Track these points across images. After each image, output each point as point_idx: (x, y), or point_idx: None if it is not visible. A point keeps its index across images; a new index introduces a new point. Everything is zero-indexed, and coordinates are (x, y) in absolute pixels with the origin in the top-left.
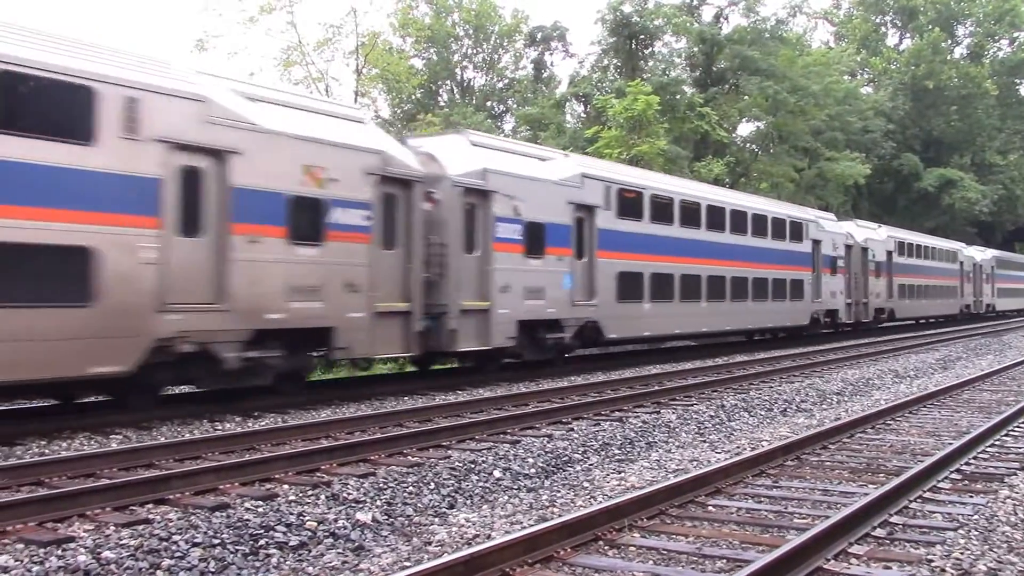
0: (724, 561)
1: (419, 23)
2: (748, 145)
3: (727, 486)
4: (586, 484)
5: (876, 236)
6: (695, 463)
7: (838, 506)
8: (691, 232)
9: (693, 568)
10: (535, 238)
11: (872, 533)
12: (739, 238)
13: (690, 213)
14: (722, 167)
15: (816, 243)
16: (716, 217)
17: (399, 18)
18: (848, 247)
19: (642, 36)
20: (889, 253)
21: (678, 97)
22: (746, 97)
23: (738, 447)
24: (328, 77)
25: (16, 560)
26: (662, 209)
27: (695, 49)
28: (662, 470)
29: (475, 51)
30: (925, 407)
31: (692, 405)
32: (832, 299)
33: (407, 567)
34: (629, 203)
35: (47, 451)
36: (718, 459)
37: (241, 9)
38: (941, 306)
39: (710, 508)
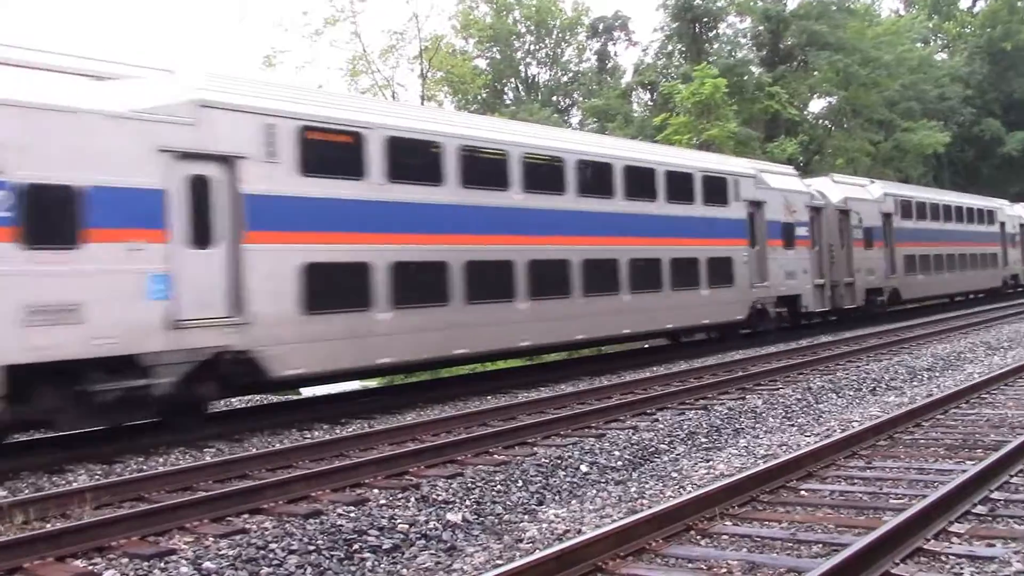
0: (820, 546)
1: (480, 23)
2: (821, 122)
3: (819, 469)
4: (674, 474)
5: (863, 195)
6: (784, 448)
7: (935, 484)
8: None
9: (788, 554)
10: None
11: (973, 511)
12: (602, 203)
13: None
14: (795, 146)
15: (756, 205)
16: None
17: (460, 20)
18: (816, 210)
19: (705, 19)
20: (887, 216)
21: (746, 78)
22: (816, 73)
23: (828, 429)
24: (394, 83)
25: (121, 573)
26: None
27: (760, 28)
28: (751, 456)
29: (538, 47)
30: (1022, 379)
31: (778, 389)
32: (788, 281)
33: (499, 565)
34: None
35: (145, 467)
36: (808, 442)
37: (306, 23)
38: (974, 279)
39: (802, 493)
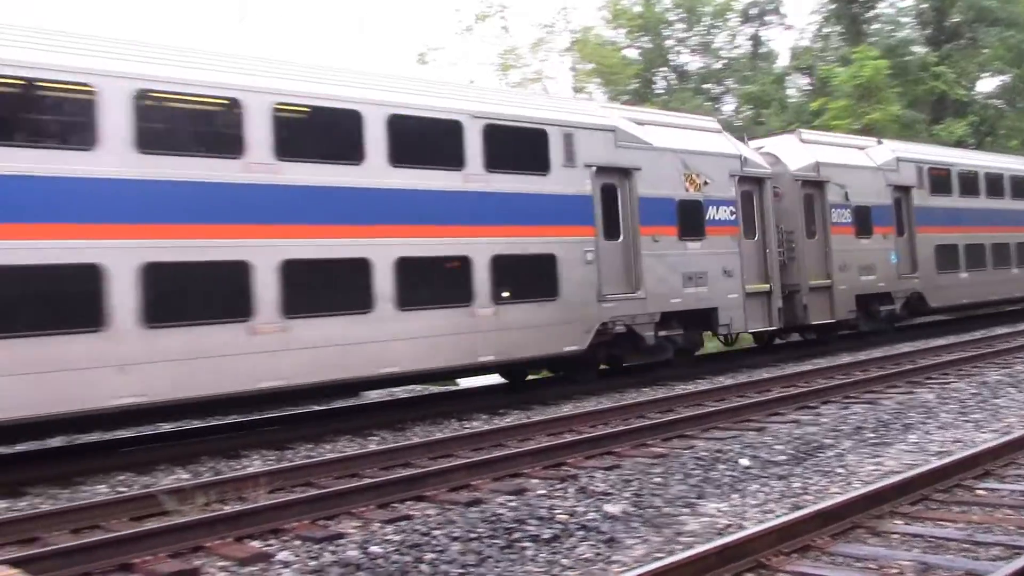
0: (1000, 548)
1: (630, 13)
2: (992, 102)
3: (998, 468)
4: (840, 470)
5: (855, 159)
6: (959, 444)
7: None
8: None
9: (965, 556)
10: (863, 220)
11: None
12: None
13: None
14: (965, 128)
15: (619, 174)
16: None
17: (610, 10)
18: (752, 181)
19: None
20: (902, 190)
21: (909, 58)
22: (985, 50)
23: (1007, 426)
24: (544, 77)
25: (295, 555)
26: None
27: (924, 5)
28: (922, 453)
29: (689, 34)
30: None
31: (950, 383)
32: (689, 289)
33: (660, 558)
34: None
35: (314, 454)
36: (984, 439)
37: (457, 20)
38: None
39: (979, 492)
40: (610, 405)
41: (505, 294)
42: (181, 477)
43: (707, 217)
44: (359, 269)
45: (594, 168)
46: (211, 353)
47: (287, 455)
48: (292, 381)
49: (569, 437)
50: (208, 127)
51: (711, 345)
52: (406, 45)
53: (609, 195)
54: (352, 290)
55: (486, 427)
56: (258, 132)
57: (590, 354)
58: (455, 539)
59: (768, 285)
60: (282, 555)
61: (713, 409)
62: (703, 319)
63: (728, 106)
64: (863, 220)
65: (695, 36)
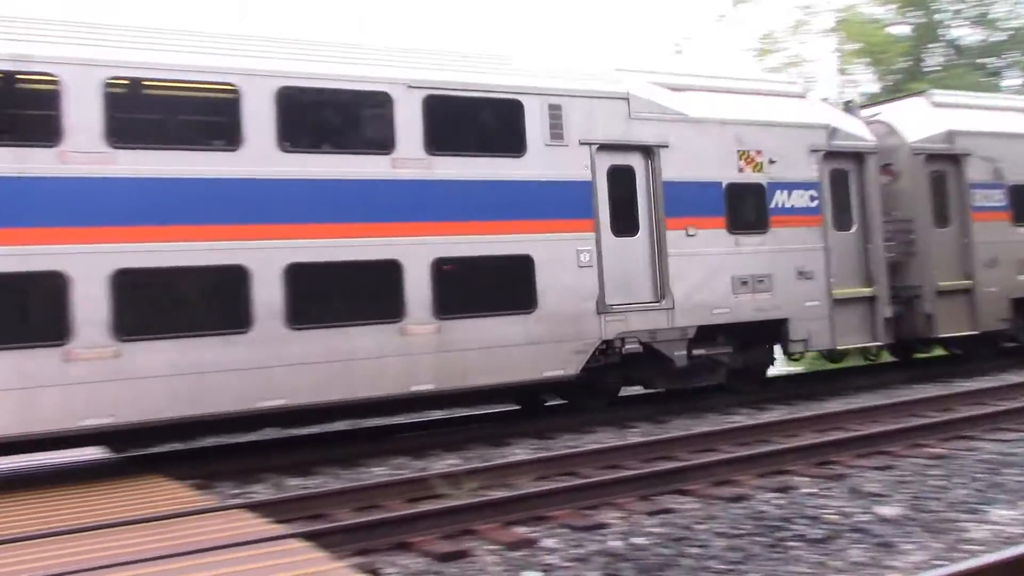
0: None
1: None
2: None
3: None
4: None
5: (1006, 125)
6: None
7: None
8: None
9: None
10: (1019, 201)
11: None
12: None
13: None
14: None
15: (637, 152)
16: None
17: None
18: (852, 157)
19: None
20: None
21: None
22: None
23: None
24: (804, 60)
25: (560, 543)
26: None
27: None
28: None
29: (964, 7)
30: None
31: None
32: (744, 296)
33: (941, 566)
34: None
35: (575, 444)
36: None
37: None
38: None
39: None
40: (882, 403)
41: (454, 307)
42: (452, 462)
43: (772, 204)
44: (230, 279)
45: (595, 146)
46: None
47: (550, 444)
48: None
49: (838, 435)
50: None
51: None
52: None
53: (621, 180)
54: (220, 306)
55: (749, 422)
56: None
57: (591, 379)
58: (719, 535)
59: (871, 289)
60: (547, 542)
61: (997, 409)
62: (768, 334)
63: (1011, 80)
64: (1017, 200)
65: (972, 8)
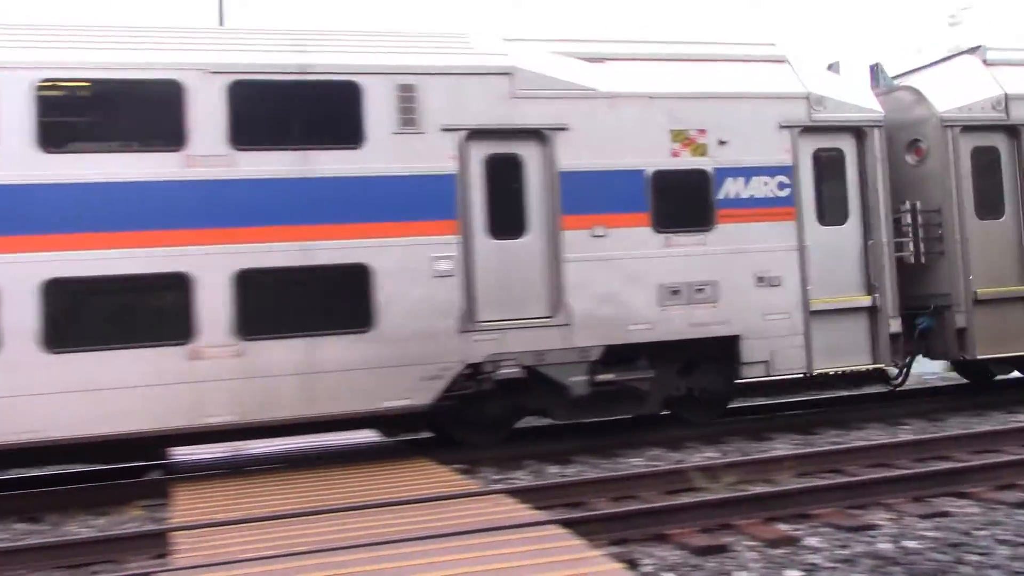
0: None
1: None
2: None
3: None
4: None
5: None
6: None
7: None
8: None
9: None
10: None
11: None
12: None
13: None
14: None
15: (534, 139)
16: None
17: None
18: (846, 133)
19: None
20: None
21: None
22: None
23: None
24: None
25: (824, 542)
26: None
27: None
28: None
29: None
30: None
31: None
32: (675, 310)
33: None
34: None
35: (841, 440)
36: None
37: None
38: None
39: None
40: None
41: (263, 326)
42: (709, 455)
43: (721, 195)
44: None
45: (463, 133)
46: None
47: (813, 440)
48: None
49: None
50: None
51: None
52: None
53: (504, 171)
54: None
55: None
56: None
57: (464, 409)
58: (1002, 542)
59: (869, 298)
60: (810, 540)
61: None
62: (718, 354)
63: None
64: None
65: None
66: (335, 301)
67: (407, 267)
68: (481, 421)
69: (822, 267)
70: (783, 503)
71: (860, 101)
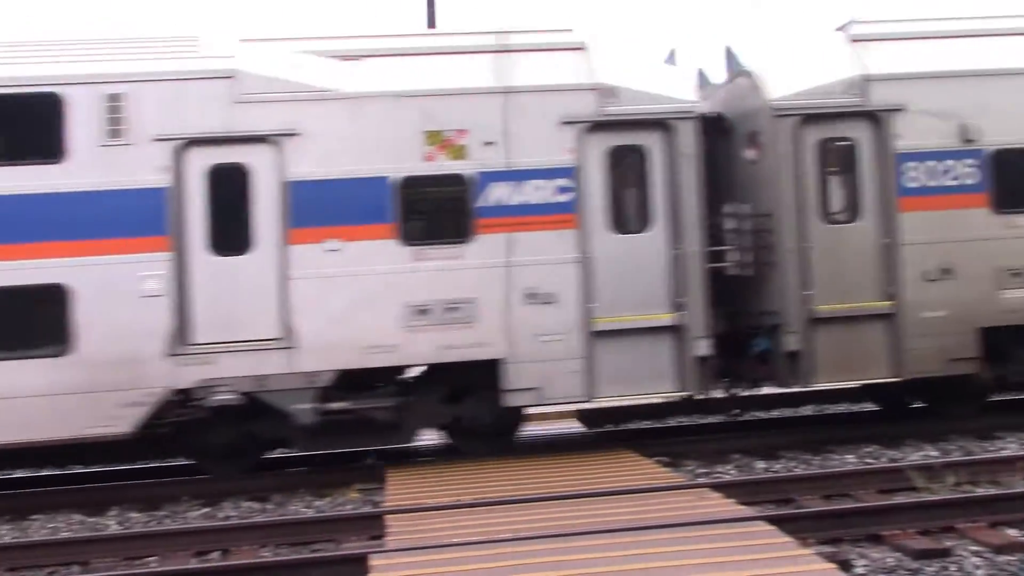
0: None
1: None
2: None
3: None
4: None
5: (997, 61)
6: None
7: None
8: None
9: None
10: (1011, 177)
11: None
12: None
13: None
14: None
15: (263, 147)
16: None
17: None
18: (648, 127)
19: None
20: None
21: None
22: None
23: None
24: None
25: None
26: None
27: None
28: None
29: None
30: None
31: None
32: (423, 333)
33: None
34: None
35: None
36: None
37: None
38: None
39: None
40: None
41: None
42: (929, 454)
43: (484, 202)
44: None
45: (179, 142)
46: None
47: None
48: None
49: None
50: None
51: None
52: None
53: (228, 182)
54: None
55: None
56: None
57: (183, 436)
58: None
59: (672, 316)
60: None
61: None
62: (485, 380)
63: None
64: (1012, 177)
65: None
66: (26, 324)
67: (110, 287)
68: (209, 450)
69: (617, 281)
70: (1013, 506)
71: (667, 91)
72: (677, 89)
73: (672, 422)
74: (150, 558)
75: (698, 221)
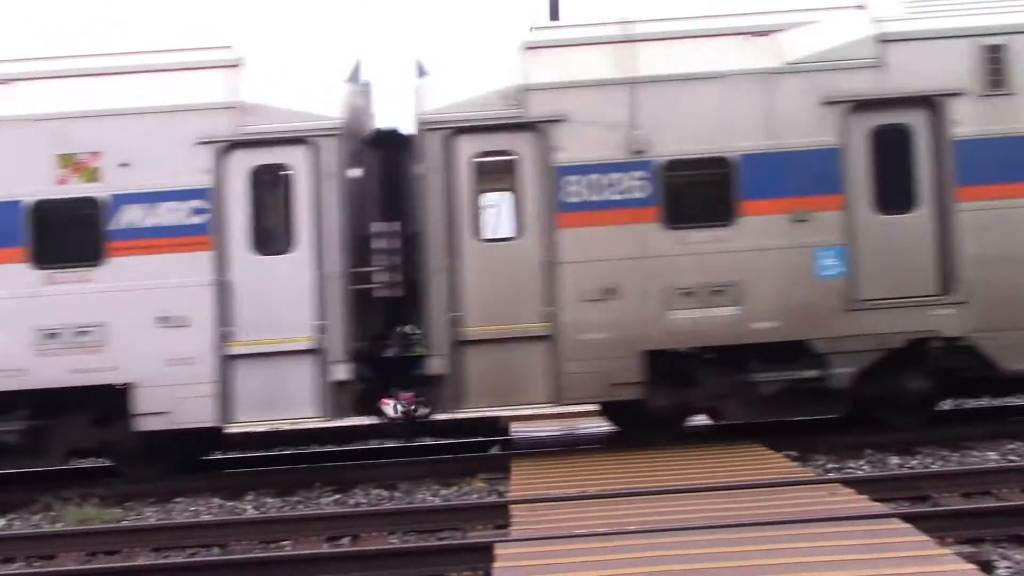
0: None
1: None
2: None
3: None
4: None
5: (696, 63)
6: None
7: None
8: None
9: None
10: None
11: None
12: None
13: None
14: None
15: None
16: None
17: None
18: (291, 145)
19: None
20: (916, 106)
21: None
22: None
23: None
24: None
25: None
26: None
27: None
28: None
29: None
30: None
31: None
32: (55, 357)
33: None
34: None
35: None
36: None
37: None
38: None
39: None
40: None
41: None
42: None
43: (118, 225)
44: None
45: None
46: None
47: None
48: None
49: None
50: None
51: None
52: None
53: None
54: None
55: None
56: None
57: None
58: None
59: (309, 340)
60: None
61: None
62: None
63: None
64: (702, 190)
65: None
66: None
67: None
68: None
69: (258, 304)
70: None
71: (311, 108)
72: (322, 106)
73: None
74: (284, 542)
75: (340, 242)
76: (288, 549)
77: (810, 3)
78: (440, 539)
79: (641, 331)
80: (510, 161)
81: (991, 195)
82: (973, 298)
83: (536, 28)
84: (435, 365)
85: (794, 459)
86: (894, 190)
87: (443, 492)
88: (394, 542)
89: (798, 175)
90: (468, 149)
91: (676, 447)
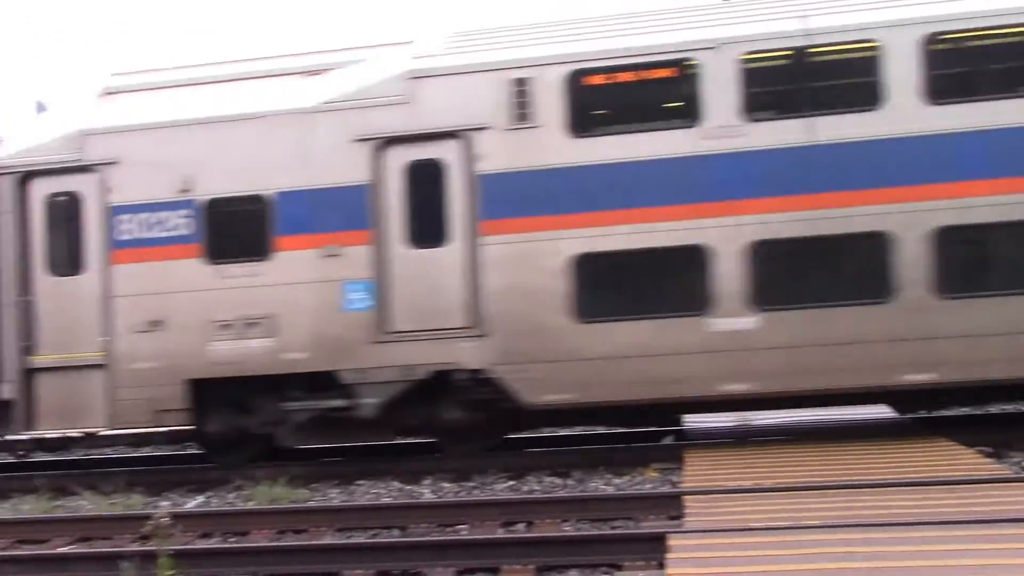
0: None
1: None
2: None
3: None
4: None
5: (240, 106)
6: None
7: None
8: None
9: None
10: (239, 227)
11: None
12: None
13: None
14: None
15: None
16: None
17: None
18: None
19: None
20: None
21: None
22: None
23: None
24: None
25: None
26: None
27: None
28: None
29: None
30: None
31: None
32: None
33: None
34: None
35: None
36: None
37: None
38: None
39: None
40: None
41: None
42: None
43: None
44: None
45: None
46: None
47: None
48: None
49: None
50: None
51: None
52: None
53: None
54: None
55: None
56: None
57: None
58: None
59: None
60: None
61: None
62: None
63: None
64: (240, 227)
65: None
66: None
67: None
68: None
69: None
70: None
71: None
72: None
73: (994, 409)
74: (460, 526)
75: None
76: (464, 533)
77: (364, 41)
78: (613, 527)
79: (184, 361)
80: (76, 202)
81: (511, 229)
82: (494, 331)
83: (114, 74)
84: (4, 390)
85: (988, 455)
86: (427, 224)
87: (616, 481)
88: (567, 529)
89: (330, 212)
90: (40, 191)
91: (858, 441)
